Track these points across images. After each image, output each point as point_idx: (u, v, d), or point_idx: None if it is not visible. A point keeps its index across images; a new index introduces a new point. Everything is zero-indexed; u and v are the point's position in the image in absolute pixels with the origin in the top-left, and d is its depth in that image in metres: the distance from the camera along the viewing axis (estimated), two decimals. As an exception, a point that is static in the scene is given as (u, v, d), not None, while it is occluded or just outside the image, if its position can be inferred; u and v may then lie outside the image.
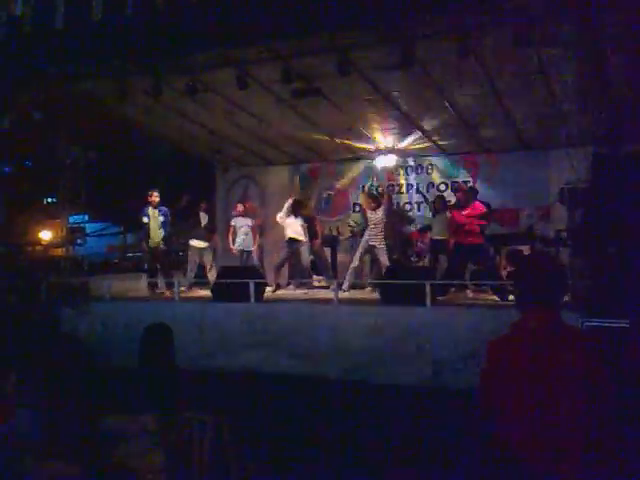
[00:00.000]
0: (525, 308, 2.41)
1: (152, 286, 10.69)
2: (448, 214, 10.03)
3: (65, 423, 3.47)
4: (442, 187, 12.57)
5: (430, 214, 12.16)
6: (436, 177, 12.67)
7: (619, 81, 8.95)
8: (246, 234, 11.52)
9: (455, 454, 4.81)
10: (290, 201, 10.92)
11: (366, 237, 10.14)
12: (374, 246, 10.04)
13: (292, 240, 10.68)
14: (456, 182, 12.30)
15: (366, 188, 12.62)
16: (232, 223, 11.71)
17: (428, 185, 12.71)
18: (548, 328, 2.31)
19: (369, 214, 10.17)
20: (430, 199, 11.68)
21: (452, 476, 4.55)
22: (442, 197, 11.07)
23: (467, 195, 9.72)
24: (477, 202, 9.58)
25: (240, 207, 11.82)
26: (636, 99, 9.35)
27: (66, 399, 3.67)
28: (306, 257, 10.82)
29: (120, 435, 3.64)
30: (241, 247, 11.47)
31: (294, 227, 10.73)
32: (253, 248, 11.65)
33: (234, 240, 11.53)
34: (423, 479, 4.72)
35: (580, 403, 2.19)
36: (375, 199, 10.43)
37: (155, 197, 10.74)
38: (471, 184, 11.72)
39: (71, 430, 3.45)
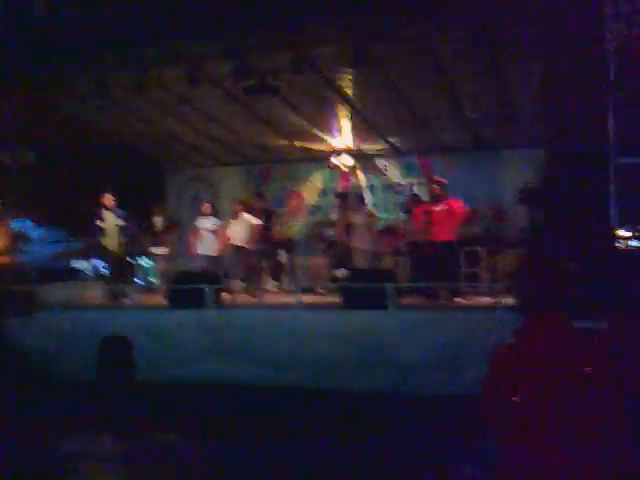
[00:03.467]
0: (530, 313, 2.27)
1: (112, 294, 10.08)
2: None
3: (10, 447, 3.18)
4: (398, 188, 12.49)
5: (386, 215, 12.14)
6: (392, 177, 12.59)
7: (572, 81, 9.01)
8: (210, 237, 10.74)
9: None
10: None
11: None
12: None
13: (236, 247, 10.47)
14: (412, 183, 12.29)
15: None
16: (197, 224, 10.82)
17: (384, 186, 12.61)
18: (558, 333, 2.19)
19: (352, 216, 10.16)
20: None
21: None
22: (415, 195, 10.83)
23: (443, 189, 9.17)
24: (454, 199, 9.14)
25: (207, 207, 10.97)
26: (589, 98, 9.46)
27: (7, 419, 3.38)
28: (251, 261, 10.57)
29: (76, 458, 3.37)
30: (205, 251, 10.66)
31: (235, 233, 10.47)
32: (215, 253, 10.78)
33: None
34: None
35: (594, 405, 2.08)
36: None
37: (107, 199, 10.22)
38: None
39: (18, 454, 3.16)
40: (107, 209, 10.18)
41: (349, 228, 10.17)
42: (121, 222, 10.11)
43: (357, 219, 10.16)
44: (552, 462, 2.08)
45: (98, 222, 10.08)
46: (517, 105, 9.77)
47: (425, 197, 10.52)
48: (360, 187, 12.64)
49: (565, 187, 7.80)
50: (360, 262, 9.93)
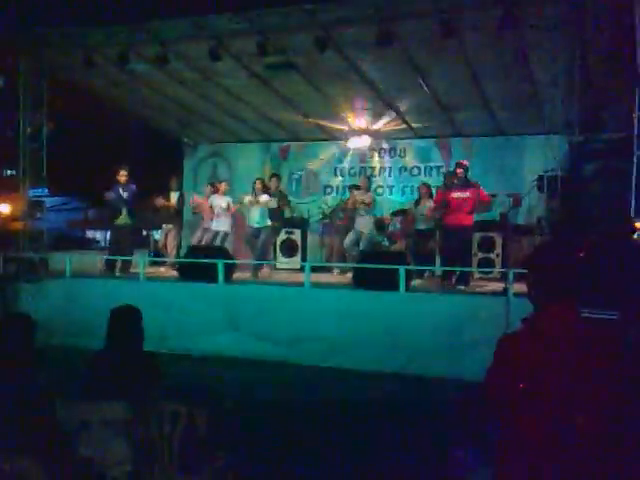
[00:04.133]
0: (540, 302, 2.22)
1: (109, 265, 10.24)
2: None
3: (18, 411, 3.18)
4: (415, 171, 12.39)
5: (402, 198, 12.11)
6: (409, 160, 12.48)
7: (598, 68, 8.84)
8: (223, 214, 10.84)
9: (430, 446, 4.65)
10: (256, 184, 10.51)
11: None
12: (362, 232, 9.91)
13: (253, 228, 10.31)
14: (429, 166, 12.20)
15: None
16: (209, 201, 10.96)
17: (401, 168, 12.52)
18: (567, 326, 2.13)
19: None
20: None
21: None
22: (427, 184, 10.63)
23: (466, 172, 9.01)
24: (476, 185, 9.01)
25: (223, 186, 11.12)
26: (614, 86, 9.29)
27: (15, 384, 3.38)
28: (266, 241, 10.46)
29: (83, 424, 3.38)
30: (217, 227, 10.77)
31: (254, 214, 10.31)
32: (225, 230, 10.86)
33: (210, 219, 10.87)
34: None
35: (602, 396, 2.02)
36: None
37: (122, 176, 10.32)
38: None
39: (25, 419, 3.17)
40: (119, 184, 10.30)
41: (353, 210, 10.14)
42: (126, 195, 10.23)
43: (363, 201, 10.05)
44: (555, 452, 2.04)
45: (109, 196, 10.26)
46: (540, 91, 9.61)
47: (441, 180, 10.43)
48: (375, 169, 12.60)
49: (585, 176, 7.71)
50: (364, 244, 9.86)
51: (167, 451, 3.30)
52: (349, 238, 10.00)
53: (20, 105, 10.19)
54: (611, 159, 8.12)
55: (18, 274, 9.25)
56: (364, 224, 9.93)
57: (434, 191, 10.17)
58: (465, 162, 9.22)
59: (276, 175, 11.26)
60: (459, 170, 8.97)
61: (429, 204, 9.84)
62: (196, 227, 11.19)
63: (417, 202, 10.34)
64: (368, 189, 10.36)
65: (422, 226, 9.97)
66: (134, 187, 10.39)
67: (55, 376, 3.90)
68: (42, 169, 10.28)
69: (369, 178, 11.03)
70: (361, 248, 9.69)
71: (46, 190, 10.33)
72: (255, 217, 10.20)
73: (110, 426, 3.38)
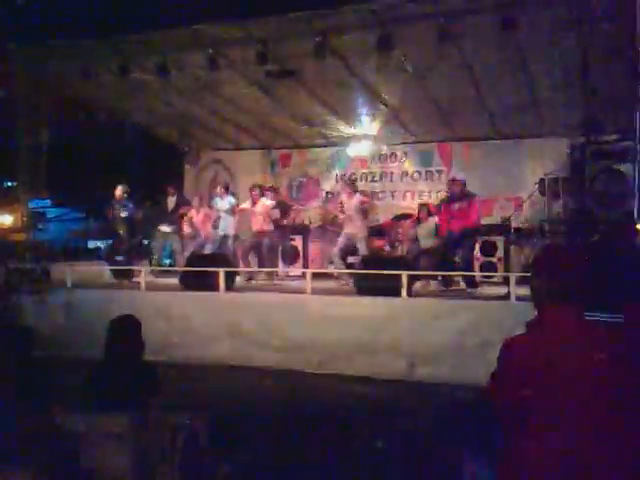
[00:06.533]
0: (544, 306, 2.18)
1: (116, 274, 10.23)
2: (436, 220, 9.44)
3: (18, 423, 3.15)
4: (416, 176, 12.36)
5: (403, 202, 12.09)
6: (410, 165, 12.46)
7: (598, 71, 8.83)
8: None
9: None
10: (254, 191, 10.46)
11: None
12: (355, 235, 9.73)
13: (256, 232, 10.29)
14: (430, 171, 12.18)
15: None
16: (213, 205, 10.96)
17: (402, 173, 12.50)
18: (572, 328, 2.09)
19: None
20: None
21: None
22: (426, 205, 10.23)
23: (463, 186, 8.87)
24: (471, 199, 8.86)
25: (222, 189, 11.11)
26: (613, 90, 9.27)
27: (14, 395, 3.37)
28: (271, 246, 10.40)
29: (84, 436, 3.35)
30: (222, 231, 10.77)
31: (256, 218, 10.29)
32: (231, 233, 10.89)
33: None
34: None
35: (607, 401, 1.98)
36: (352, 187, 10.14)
37: (119, 191, 10.46)
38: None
39: (26, 431, 3.14)
40: (117, 201, 10.48)
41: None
42: (124, 214, 10.40)
43: (350, 204, 9.81)
44: (561, 458, 2.00)
45: (110, 212, 10.50)
46: (539, 94, 9.61)
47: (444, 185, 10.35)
48: (376, 174, 12.57)
49: (587, 178, 7.68)
50: (361, 249, 9.73)
51: (169, 462, 3.27)
52: (338, 245, 9.73)
53: (19, 116, 10.19)
54: (613, 161, 8.08)
55: (20, 285, 9.23)
56: (355, 227, 9.66)
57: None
58: (459, 178, 9.07)
59: (273, 187, 11.33)
60: (456, 188, 8.84)
61: (432, 220, 9.62)
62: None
63: (419, 221, 10.05)
64: (355, 191, 10.02)
65: (426, 244, 9.57)
66: (131, 205, 10.53)
67: (55, 388, 3.88)
68: (42, 180, 10.28)
69: (353, 181, 10.72)
70: (359, 251, 9.59)
71: (47, 201, 10.34)
72: (259, 221, 10.16)
73: (111, 438, 3.35)
